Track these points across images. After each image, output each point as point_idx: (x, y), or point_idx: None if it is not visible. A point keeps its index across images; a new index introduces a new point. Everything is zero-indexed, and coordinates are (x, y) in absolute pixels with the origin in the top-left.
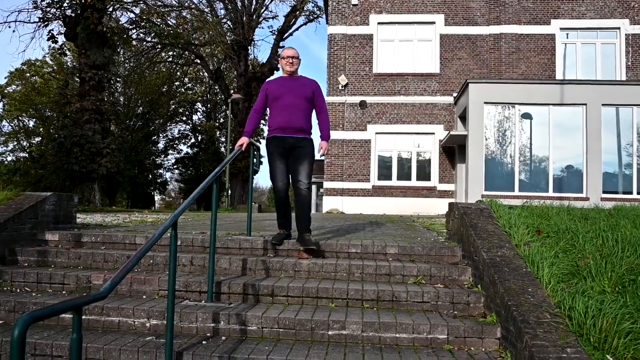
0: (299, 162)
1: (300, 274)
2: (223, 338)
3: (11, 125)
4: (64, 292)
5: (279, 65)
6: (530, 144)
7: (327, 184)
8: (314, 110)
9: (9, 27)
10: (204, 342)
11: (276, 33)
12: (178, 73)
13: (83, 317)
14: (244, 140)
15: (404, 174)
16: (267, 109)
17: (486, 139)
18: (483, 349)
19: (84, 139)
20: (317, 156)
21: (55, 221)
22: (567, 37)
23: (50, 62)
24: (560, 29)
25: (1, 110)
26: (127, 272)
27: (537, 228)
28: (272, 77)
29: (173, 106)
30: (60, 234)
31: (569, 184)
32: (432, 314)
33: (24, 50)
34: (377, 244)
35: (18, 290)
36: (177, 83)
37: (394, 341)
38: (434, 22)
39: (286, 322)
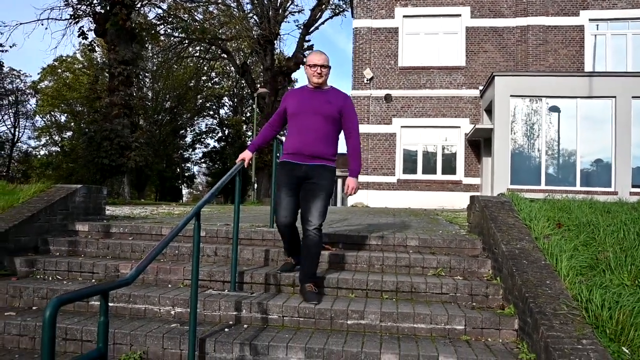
0: (311, 197)
1: (321, 265)
2: (245, 326)
3: (44, 120)
4: (93, 280)
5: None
6: (558, 137)
7: None
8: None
9: (42, 24)
10: (226, 330)
11: (302, 27)
12: (205, 68)
13: (111, 304)
14: (245, 155)
15: (429, 168)
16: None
17: (512, 133)
18: (500, 340)
19: (114, 133)
20: (346, 195)
21: (85, 213)
22: (597, 29)
23: (81, 59)
24: (590, 20)
25: (35, 106)
26: (151, 260)
27: (557, 221)
28: (296, 86)
29: (200, 100)
30: (90, 224)
31: (597, 177)
32: (450, 305)
33: (56, 47)
34: (398, 236)
35: (50, 279)
36: (204, 78)
37: (412, 331)
38: (460, 15)
39: (306, 311)
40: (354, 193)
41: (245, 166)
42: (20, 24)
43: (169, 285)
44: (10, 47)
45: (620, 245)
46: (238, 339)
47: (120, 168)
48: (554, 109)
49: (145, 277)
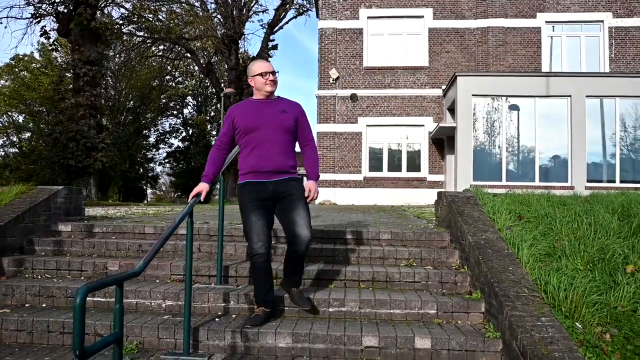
0: (293, 209)
1: None
2: (233, 316)
3: (0, 121)
4: (82, 277)
5: (269, 59)
6: (517, 135)
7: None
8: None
9: (0, 23)
10: (216, 320)
11: (266, 27)
12: (169, 67)
13: (103, 299)
14: (201, 188)
15: (395, 166)
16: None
17: (474, 131)
18: (469, 322)
19: (80, 134)
20: (309, 199)
21: (67, 213)
22: (553, 30)
23: (39, 58)
24: (546, 22)
25: None
26: (155, 253)
27: (518, 214)
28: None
29: (164, 100)
30: (72, 225)
31: (554, 173)
32: (422, 293)
33: (16, 47)
34: (371, 231)
35: (39, 277)
36: (167, 77)
37: (389, 316)
38: (422, 16)
39: (289, 301)
40: (316, 197)
41: (202, 199)
42: None
43: (157, 281)
44: None
45: (575, 234)
46: (229, 327)
47: (87, 169)
48: (514, 108)
49: None
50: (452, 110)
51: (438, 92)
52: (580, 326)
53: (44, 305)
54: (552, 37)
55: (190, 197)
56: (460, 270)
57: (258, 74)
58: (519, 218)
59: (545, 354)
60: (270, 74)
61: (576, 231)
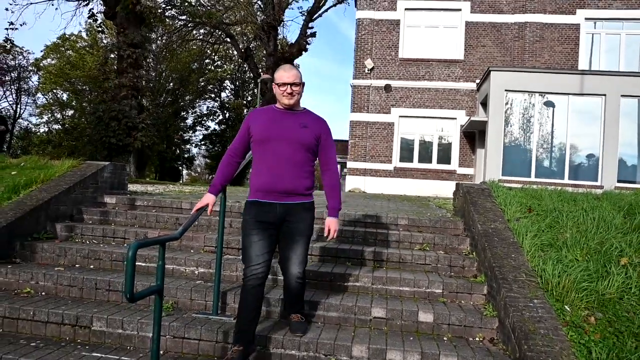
0: (291, 243)
1: (322, 238)
2: None
3: (45, 98)
4: (125, 244)
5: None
6: (549, 131)
7: (350, 164)
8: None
9: (52, 4)
10: None
11: (305, 14)
12: (208, 51)
13: (143, 264)
14: (206, 201)
15: (425, 157)
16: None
17: (505, 126)
18: (471, 302)
19: (122, 114)
20: (327, 239)
21: (111, 187)
22: (594, 27)
23: (85, 37)
24: (586, 18)
25: (37, 83)
26: (192, 222)
27: (528, 207)
28: (260, 107)
29: (202, 83)
30: (116, 197)
31: (584, 172)
32: (431, 274)
33: (65, 27)
34: (390, 216)
35: (87, 242)
36: (207, 61)
37: (398, 293)
38: (460, 9)
39: (309, 274)
40: (335, 237)
41: (209, 213)
42: (31, 3)
43: (192, 251)
44: (21, 25)
45: (578, 228)
46: None
47: (127, 147)
48: (549, 104)
49: (171, 243)
50: (484, 104)
51: (472, 85)
52: (568, 309)
53: (91, 266)
54: (592, 34)
55: (194, 209)
56: (469, 256)
57: (276, 83)
58: (528, 210)
59: (531, 331)
60: (289, 86)
61: (580, 225)
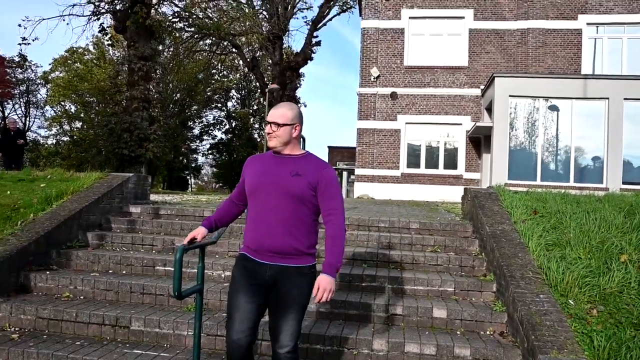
0: (283, 311)
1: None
2: None
3: (54, 110)
4: (153, 251)
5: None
6: (553, 135)
7: (358, 171)
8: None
9: (63, 20)
10: None
11: (310, 23)
12: (214, 61)
13: (170, 268)
14: (196, 233)
15: (432, 163)
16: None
17: (510, 131)
18: (481, 299)
19: (133, 126)
20: (316, 302)
21: (135, 197)
22: (596, 32)
23: (93, 50)
24: (587, 23)
25: (45, 96)
26: (224, 230)
27: (534, 209)
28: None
29: (208, 93)
30: (141, 207)
31: (590, 174)
32: (443, 274)
33: (76, 42)
34: (402, 221)
35: (118, 249)
36: (213, 71)
37: (413, 292)
38: (463, 17)
39: None
40: (328, 299)
41: (198, 242)
42: (43, 19)
43: (217, 256)
44: (33, 40)
45: (581, 228)
46: None
47: (139, 158)
48: (553, 108)
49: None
50: (489, 109)
51: (477, 91)
52: (572, 303)
53: (124, 272)
54: (594, 38)
55: (186, 240)
56: (479, 257)
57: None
58: (533, 213)
59: (538, 323)
60: (269, 125)
61: (583, 225)
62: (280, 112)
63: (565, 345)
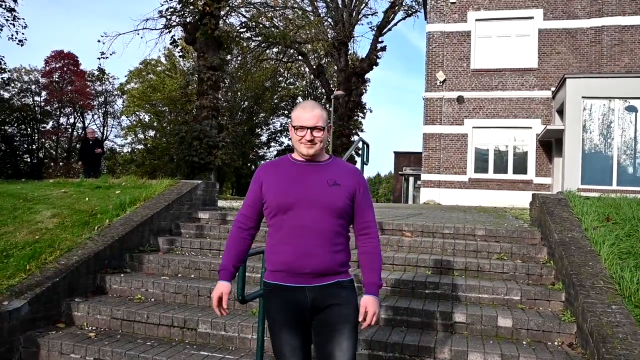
0: (333, 335)
1: (402, 248)
2: None
3: (129, 120)
4: (219, 255)
5: (378, 60)
6: (631, 138)
7: (424, 176)
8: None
9: (138, 34)
10: None
11: (375, 29)
12: (281, 69)
13: None
14: (220, 291)
15: (501, 167)
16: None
17: (584, 133)
18: (549, 309)
19: (203, 134)
20: (362, 327)
21: (203, 203)
22: None
23: (164, 62)
24: None
25: (122, 106)
26: None
27: (607, 216)
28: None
29: (275, 100)
30: (209, 213)
31: None
32: (509, 282)
33: (149, 54)
34: (467, 227)
35: (187, 254)
36: (279, 78)
37: (477, 300)
38: (532, 17)
39: (392, 281)
40: (374, 322)
41: (224, 305)
42: (120, 34)
43: None
44: (111, 54)
45: None
46: None
47: (208, 165)
48: (631, 109)
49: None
50: (561, 112)
51: (547, 94)
52: None
53: (192, 276)
54: None
55: (214, 305)
56: (547, 265)
57: (293, 126)
58: (606, 219)
59: (609, 334)
60: (308, 131)
61: None
62: (318, 114)
63: None
